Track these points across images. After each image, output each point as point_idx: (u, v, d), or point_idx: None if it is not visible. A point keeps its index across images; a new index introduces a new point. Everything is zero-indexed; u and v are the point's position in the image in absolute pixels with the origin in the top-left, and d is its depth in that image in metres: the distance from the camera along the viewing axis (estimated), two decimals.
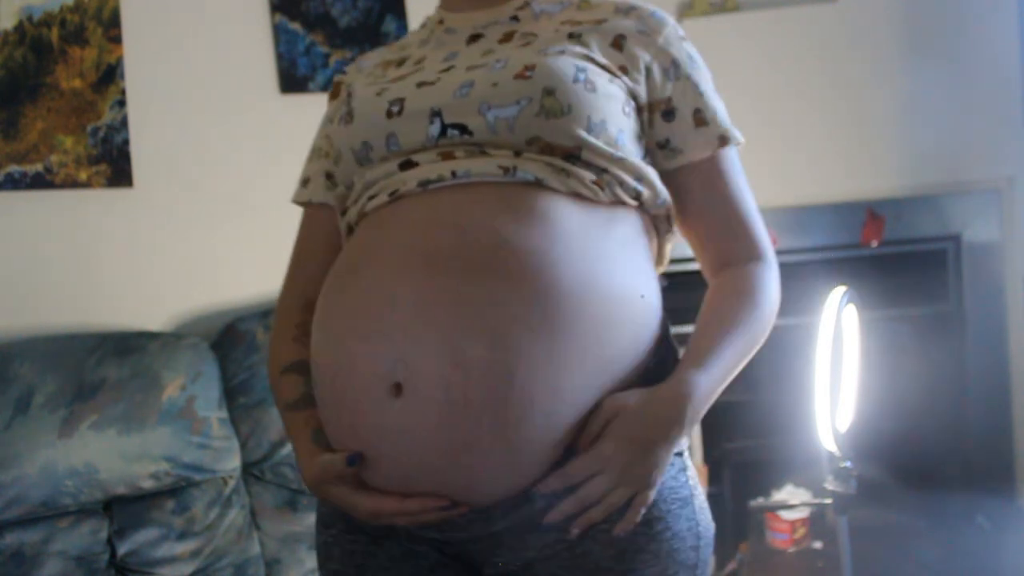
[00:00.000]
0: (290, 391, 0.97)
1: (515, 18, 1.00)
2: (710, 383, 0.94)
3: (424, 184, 0.87)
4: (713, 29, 2.90)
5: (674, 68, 0.98)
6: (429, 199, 0.87)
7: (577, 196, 0.88)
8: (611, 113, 0.91)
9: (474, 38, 0.99)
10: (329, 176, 1.04)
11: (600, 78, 0.91)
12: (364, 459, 0.84)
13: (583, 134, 0.88)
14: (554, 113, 0.87)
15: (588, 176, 0.89)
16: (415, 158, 0.89)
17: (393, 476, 0.83)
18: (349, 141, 0.94)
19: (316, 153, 1.08)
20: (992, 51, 2.73)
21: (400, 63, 1.02)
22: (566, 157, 0.88)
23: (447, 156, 0.88)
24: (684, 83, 1.00)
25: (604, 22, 0.97)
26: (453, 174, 0.86)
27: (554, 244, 0.84)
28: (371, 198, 0.92)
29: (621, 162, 0.91)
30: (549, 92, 0.87)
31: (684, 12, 2.96)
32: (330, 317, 0.89)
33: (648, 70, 0.96)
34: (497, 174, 0.86)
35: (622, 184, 0.92)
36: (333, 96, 1.08)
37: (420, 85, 0.92)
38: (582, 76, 0.89)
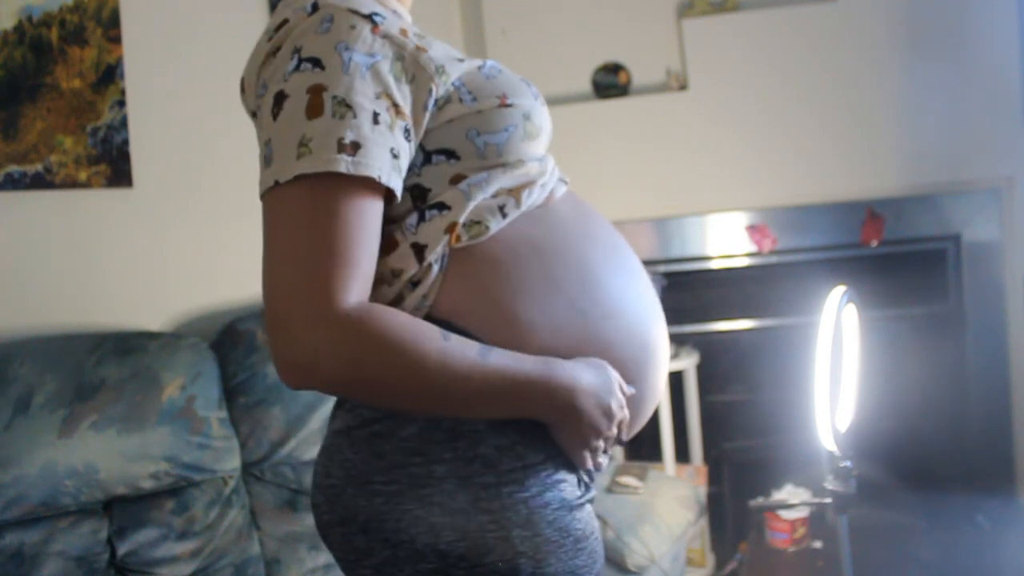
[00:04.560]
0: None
1: None
2: None
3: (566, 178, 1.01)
4: (713, 29, 2.91)
5: None
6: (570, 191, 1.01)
7: None
8: None
9: None
10: (395, 155, 0.83)
11: None
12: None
13: None
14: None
15: None
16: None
17: (649, 406, 1.01)
18: (547, 122, 0.96)
19: (366, 115, 0.82)
20: (992, 51, 2.74)
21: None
22: None
23: None
24: None
25: None
26: None
27: None
28: (555, 185, 0.97)
29: None
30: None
31: (684, 12, 2.96)
32: (628, 300, 0.97)
33: None
34: None
35: None
36: (376, 32, 0.85)
37: None
38: None
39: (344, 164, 0.79)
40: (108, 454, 1.59)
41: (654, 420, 2.75)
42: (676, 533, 2.27)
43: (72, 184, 1.82)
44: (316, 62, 0.82)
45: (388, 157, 0.82)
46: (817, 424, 1.50)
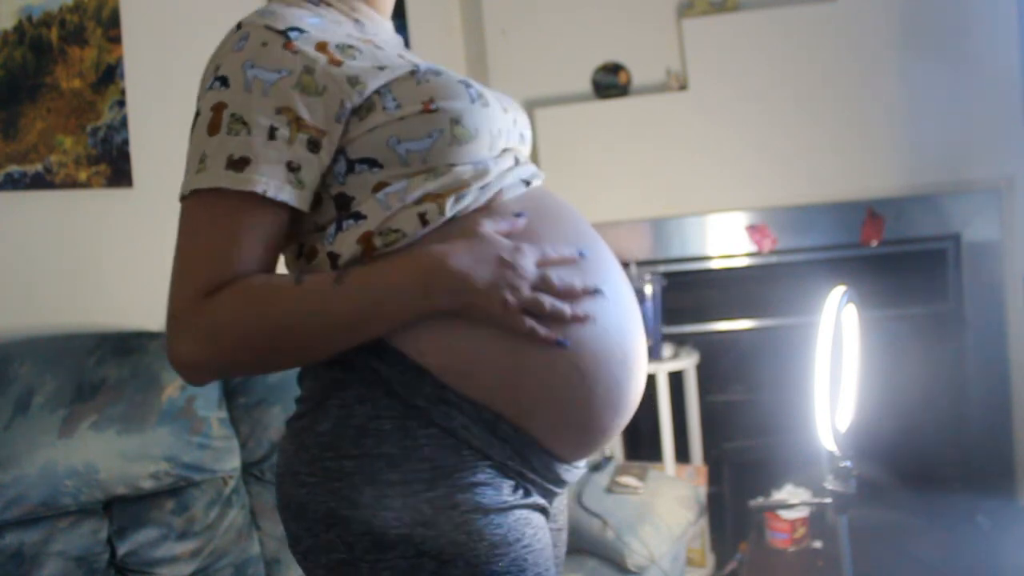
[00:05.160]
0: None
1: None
2: None
3: (534, 178, 0.99)
4: (713, 29, 2.91)
5: None
6: (544, 191, 1.00)
7: None
8: None
9: (400, 56, 1.02)
10: (293, 169, 0.87)
11: None
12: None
13: None
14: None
15: None
16: (516, 155, 1.00)
17: (619, 417, 0.98)
18: (490, 124, 0.93)
19: (260, 130, 0.87)
20: (992, 51, 2.74)
21: (378, 47, 0.96)
22: None
23: (524, 157, 1.02)
24: None
25: None
26: (536, 174, 1.02)
27: None
28: (504, 186, 0.95)
29: None
30: None
31: (684, 12, 2.96)
32: (609, 290, 0.95)
33: None
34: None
35: None
36: (289, 48, 0.89)
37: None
38: None
39: (228, 180, 0.85)
40: (108, 454, 1.59)
41: (654, 420, 2.75)
42: (676, 533, 2.27)
43: (72, 184, 1.82)
44: (224, 80, 0.88)
45: (282, 171, 0.87)
46: (817, 424, 1.50)
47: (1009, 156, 2.75)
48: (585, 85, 3.03)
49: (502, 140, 0.96)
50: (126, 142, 1.90)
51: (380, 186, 0.89)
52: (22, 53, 1.75)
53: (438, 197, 0.89)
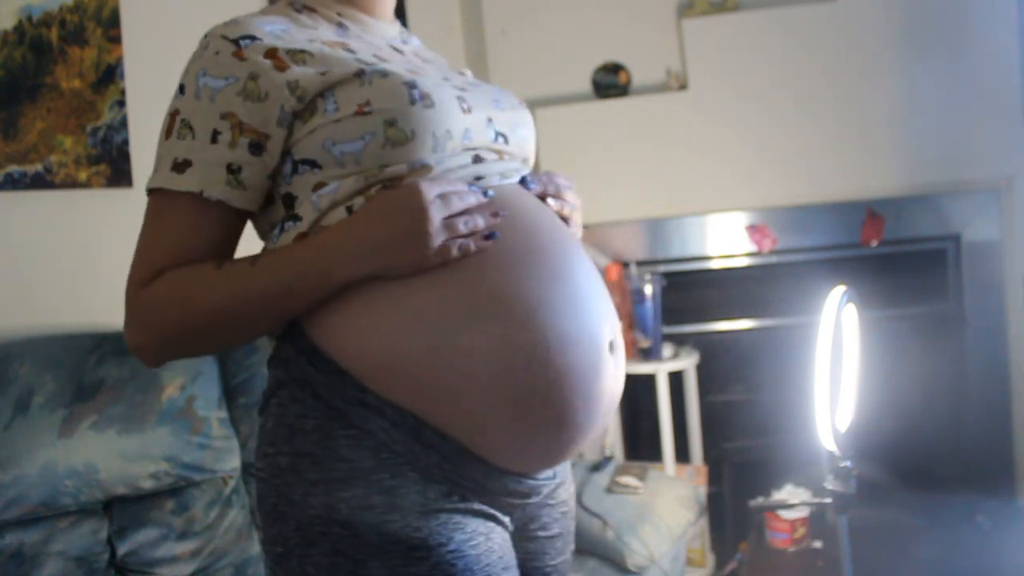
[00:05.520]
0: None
1: (404, 40, 1.12)
2: None
3: (503, 176, 1.01)
4: (713, 29, 2.91)
5: None
6: (511, 189, 1.00)
7: None
8: None
9: (395, 50, 1.07)
10: (233, 170, 0.92)
11: None
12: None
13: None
14: (533, 143, 1.10)
15: None
16: (481, 154, 0.98)
17: (587, 420, 0.94)
18: (433, 126, 0.91)
19: (203, 134, 0.93)
20: (992, 51, 2.74)
21: (348, 50, 0.98)
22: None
23: (501, 156, 1.01)
24: None
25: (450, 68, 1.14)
26: (517, 172, 1.03)
27: None
28: None
29: None
30: (532, 123, 1.09)
31: (684, 12, 2.96)
32: (541, 293, 0.91)
33: None
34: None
35: None
36: (239, 56, 0.93)
37: (459, 88, 0.99)
38: None
39: (171, 181, 0.92)
40: (108, 454, 1.59)
41: (654, 420, 2.75)
42: (676, 533, 2.27)
43: (72, 184, 1.82)
44: (182, 88, 0.96)
45: (221, 172, 0.92)
46: (817, 424, 1.50)
47: (1009, 156, 2.75)
48: (585, 85, 3.03)
49: (457, 141, 0.94)
50: (126, 142, 1.90)
51: (319, 186, 0.92)
52: (22, 53, 1.75)
53: (367, 191, 0.91)
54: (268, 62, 0.92)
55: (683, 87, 2.94)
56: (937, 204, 2.83)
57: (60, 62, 1.80)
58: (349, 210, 0.91)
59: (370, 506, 0.88)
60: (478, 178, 0.97)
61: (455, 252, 0.89)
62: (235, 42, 0.94)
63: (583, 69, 3.03)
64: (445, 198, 0.90)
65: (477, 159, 0.97)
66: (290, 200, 0.94)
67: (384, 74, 0.92)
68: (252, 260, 0.92)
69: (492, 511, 0.95)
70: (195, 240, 0.94)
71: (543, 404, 0.90)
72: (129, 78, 1.91)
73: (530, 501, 1.00)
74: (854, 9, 2.81)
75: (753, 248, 2.94)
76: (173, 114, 0.95)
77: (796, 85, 2.86)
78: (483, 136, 0.98)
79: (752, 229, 2.94)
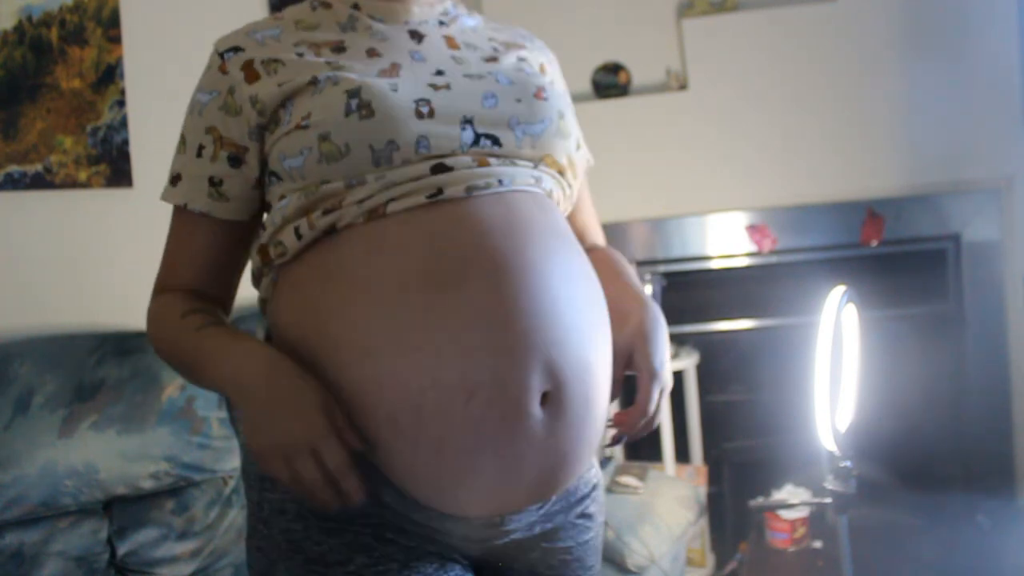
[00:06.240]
0: (205, 319, 0.94)
1: (443, 22, 1.02)
2: (658, 310, 1.02)
3: (471, 190, 0.87)
4: (713, 29, 2.91)
5: (564, 95, 1.07)
6: (480, 203, 0.87)
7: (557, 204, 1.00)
8: (576, 132, 1.04)
9: (414, 35, 0.98)
10: (214, 183, 0.95)
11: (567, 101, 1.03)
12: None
13: (572, 155, 1.00)
14: (563, 134, 0.97)
15: (567, 190, 1.01)
16: (447, 162, 0.88)
17: (502, 492, 0.86)
18: (370, 137, 0.86)
19: (192, 149, 0.96)
20: (992, 51, 2.74)
21: (339, 48, 0.94)
22: (559, 171, 0.98)
23: (482, 162, 0.89)
24: (571, 110, 1.07)
25: (519, 47, 1.05)
26: (500, 182, 0.89)
27: (582, 253, 0.96)
28: (394, 199, 0.86)
29: (576, 177, 1.03)
30: (561, 116, 0.97)
31: (684, 12, 2.96)
32: (437, 333, 0.81)
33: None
34: (531, 183, 0.93)
35: (573, 195, 1.04)
36: (223, 69, 0.95)
37: (436, 88, 0.91)
38: (565, 101, 1.02)
39: (167, 194, 0.98)
40: (108, 454, 1.59)
41: None
42: (676, 533, 2.27)
43: (72, 184, 1.82)
44: (190, 104, 0.99)
45: (204, 185, 0.95)
46: (817, 424, 1.50)
47: (1009, 156, 2.75)
48: (585, 85, 3.03)
49: (407, 151, 0.86)
50: (126, 142, 1.90)
51: (281, 198, 0.92)
52: (22, 53, 1.75)
53: (308, 213, 0.89)
54: (241, 74, 0.93)
55: (683, 87, 2.94)
56: (937, 204, 2.83)
57: (60, 62, 1.80)
58: (296, 231, 0.88)
59: (283, 511, 0.89)
60: (439, 190, 0.86)
61: (283, 477, 0.82)
62: (221, 55, 0.96)
63: (583, 69, 3.03)
64: (322, 453, 0.80)
65: (440, 168, 0.87)
66: (268, 209, 0.96)
67: (335, 82, 0.88)
68: (201, 325, 0.93)
69: (441, 550, 0.91)
70: (192, 251, 0.98)
71: (436, 454, 0.82)
72: (129, 78, 1.91)
73: (498, 543, 0.93)
74: (854, 9, 2.81)
75: (753, 248, 2.94)
76: (183, 129, 1.00)
77: (796, 85, 2.86)
78: (450, 142, 0.88)
79: (752, 229, 2.94)
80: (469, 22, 1.05)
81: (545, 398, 0.84)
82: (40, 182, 1.77)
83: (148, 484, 1.65)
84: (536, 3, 3.06)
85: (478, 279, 0.83)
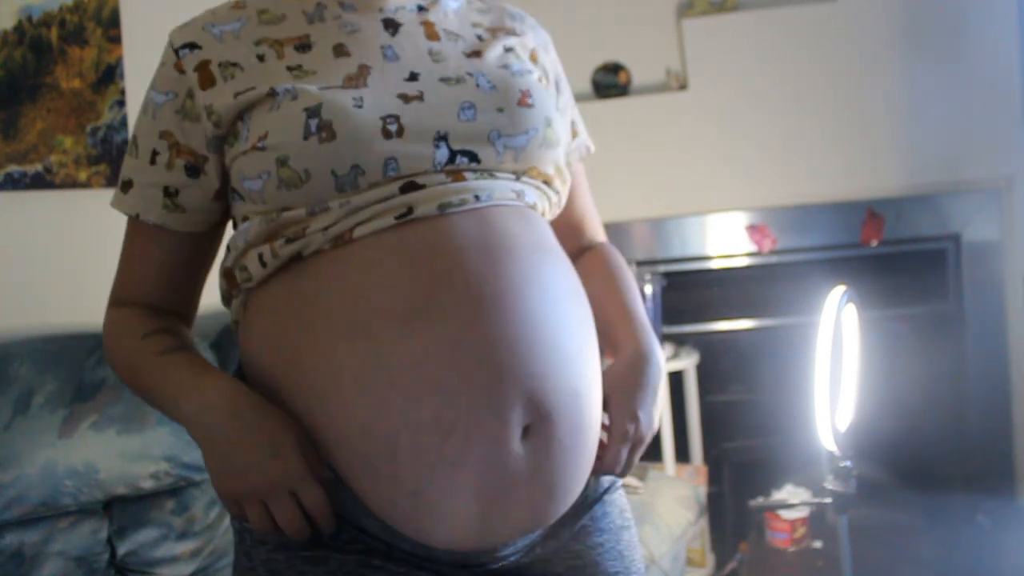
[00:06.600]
0: (167, 343, 0.88)
1: (422, 7, 0.93)
2: (652, 338, 0.97)
3: (444, 207, 0.80)
4: (713, 29, 2.91)
5: (558, 81, 1.02)
6: (455, 221, 0.80)
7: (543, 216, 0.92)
8: (566, 136, 0.97)
9: (389, 24, 0.89)
10: (170, 193, 0.88)
11: (556, 101, 0.96)
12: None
13: (560, 163, 0.92)
14: (549, 143, 0.89)
15: (554, 199, 0.93)
16: (419, 180, 0.81)
17: (489, 529, 0.80)
18: (332, 163, 0.79)
19: (145, 154, 0.88)
20: (992, 51, 2.74)
21: (303, 47, 0.86)
22: (544, 181, 0.90)
23: (457, 177, 0.82)
24: (566, 95, 1.03)
25: (508, 31, 0.96)
26: (476, 198, 0.82)
27: (570, 268, 0.90)
28: (361, 223, 0.80)
29: (566, 182, 0.96)
30: (548, 123, 0.89)
31: (684, 12, 2.96)
32: (408, 370, 0.76)
33: (556, 84, 1.01)
34: (511, 197, 0.85)
35: (561, 201, 0.96)
36: (179, 68, 0.87)
37: (407, 99, 0.83)
38: (554, 102, 0.93)
39: (116, 201, 0.91)
40: (108, 454, 1.59)
41: None
42: (676, 533, 2.27)
43: (72, 184, 1.82)
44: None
45: (158, 195, 0.88)
46: (817, 424, 1.50)
47: (1009, 156, 2.75)
48: (585, 85, 3.03)
49: (374, 175, 0.80)
50: (126, 142, 1.90)
51: (244, 219, 0.86)
52: (22, 53, 1.75)
53: (271, 239, 0.82)
54: (196, 76, 0.85)
55: (683, 87, 2.94)
56: (937, 204, 2.83)
57: (60, 62, 1.80)
58: (260, 258, 0.83)
59: (264, 541, 0.86)
60: (409, 209, 0.79)
61: (253, 519, 0.81)
62: (176, 52, 0.88)
63: (583, 69, 3.03)
64: (299, 494, 0.78)
65: (410, 186, 0.80)
66: (235, 224, 0.90)
67: (294, 96, 0.80)
68: (163, 350, 0.87)
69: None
70: (150, 264, 0.92)
71: (414, 496, 0.78)
72: (129, 78, 1.91)
73: (493, 567, 0.86)
74: (854, 9, 2.81)
75: (753, 248, 2.94)
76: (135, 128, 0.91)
77: (796, 85, 2.87)
78: (422, 162, 0.81)
79: (752, 229, 2.94)
80: (451, 4, 0.96)
81: (529, 430, 0.78)
82: (40, 182, 1.77)
83: (148, 484, 1.65)
84: (536, 3, 3.05)
85: (452, 307, 0.76)
